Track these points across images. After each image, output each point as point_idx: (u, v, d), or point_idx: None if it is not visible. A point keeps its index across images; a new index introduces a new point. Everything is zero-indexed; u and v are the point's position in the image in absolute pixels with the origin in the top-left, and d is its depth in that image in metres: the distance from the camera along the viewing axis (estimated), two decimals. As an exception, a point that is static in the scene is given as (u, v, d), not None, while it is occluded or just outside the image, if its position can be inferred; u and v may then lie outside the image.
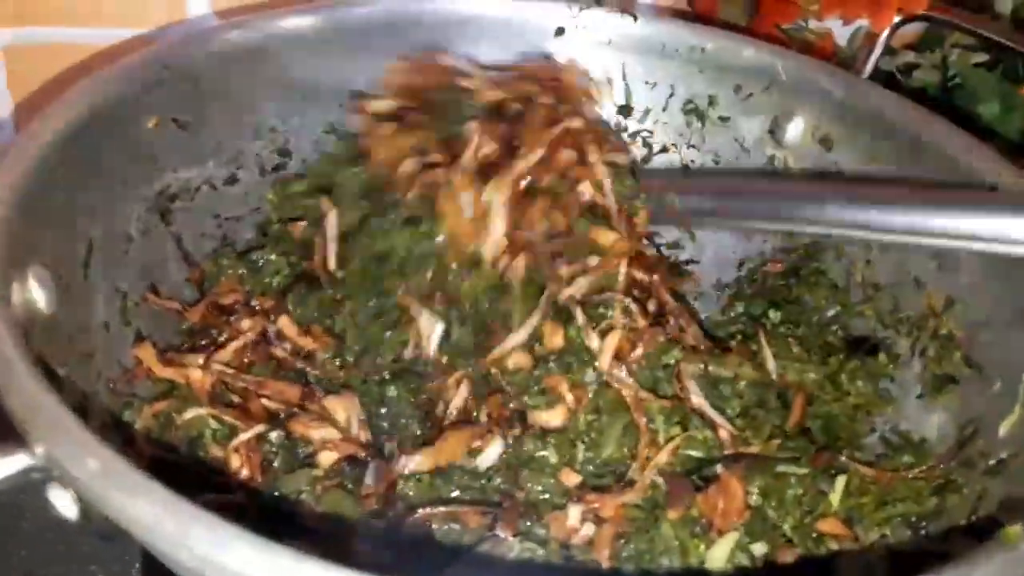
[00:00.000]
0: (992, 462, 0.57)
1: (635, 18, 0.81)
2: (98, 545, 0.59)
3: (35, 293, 0.52)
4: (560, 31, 0.83)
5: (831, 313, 0.74)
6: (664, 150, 0.85)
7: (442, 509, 0.57)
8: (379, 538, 0.55)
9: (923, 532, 0.57)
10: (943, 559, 0.42)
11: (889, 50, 0.88)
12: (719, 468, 0.56)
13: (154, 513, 0.35)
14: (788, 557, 0.54)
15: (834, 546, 0.56)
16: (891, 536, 0.57)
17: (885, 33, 0.82)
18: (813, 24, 0.99)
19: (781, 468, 0.58)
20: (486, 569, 0.53)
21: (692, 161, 0.84)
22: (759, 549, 0.54)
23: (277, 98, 0.77)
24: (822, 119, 0.77)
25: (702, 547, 0.53)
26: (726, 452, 0.58)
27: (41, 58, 0.90)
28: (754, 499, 0.56)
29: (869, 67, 0.82)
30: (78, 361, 0.56)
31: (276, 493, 0.57)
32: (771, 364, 0.65)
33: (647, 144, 0.85)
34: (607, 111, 0.84)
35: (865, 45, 0.93)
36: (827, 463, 0.60)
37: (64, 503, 0.40)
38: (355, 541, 0.54)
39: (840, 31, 0.99)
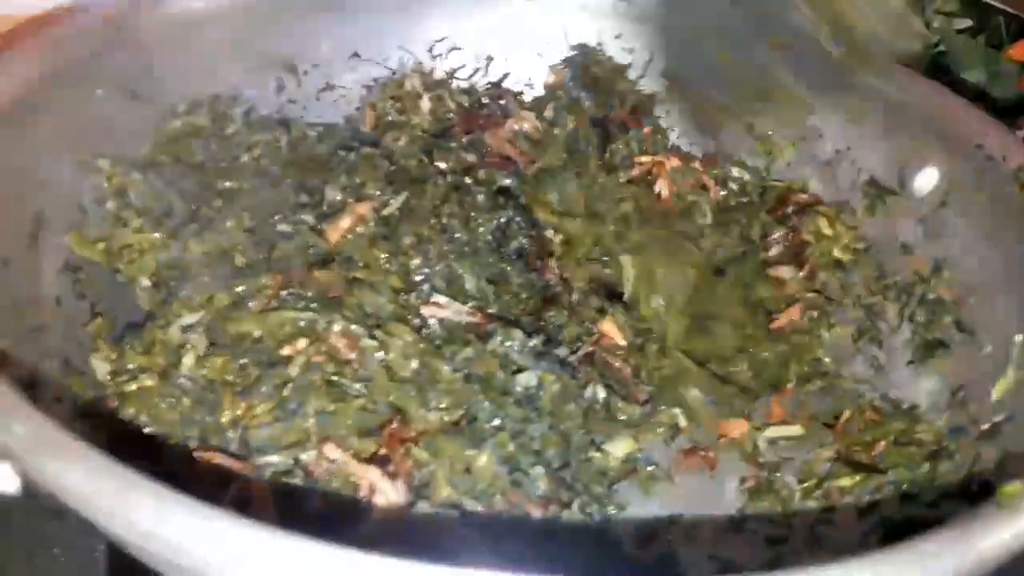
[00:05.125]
0: (985, 426, 0.55)
1: None
2: (60, 526, 0.54)
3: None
4: (529, -9, 0.80)
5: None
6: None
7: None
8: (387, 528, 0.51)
9: (915, 499, 0.54)
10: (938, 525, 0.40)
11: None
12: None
13: (89, 480, 0.32)
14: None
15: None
16: (882, 507, 0.55)
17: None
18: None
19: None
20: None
21: (672, 128, 0.82)
22: None
23: (236, 67, 0.73)
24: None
25: None
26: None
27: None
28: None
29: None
30: (27, 335, 0.53)
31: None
32: None
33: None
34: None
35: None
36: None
37: (3, 476, 0.36)
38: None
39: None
